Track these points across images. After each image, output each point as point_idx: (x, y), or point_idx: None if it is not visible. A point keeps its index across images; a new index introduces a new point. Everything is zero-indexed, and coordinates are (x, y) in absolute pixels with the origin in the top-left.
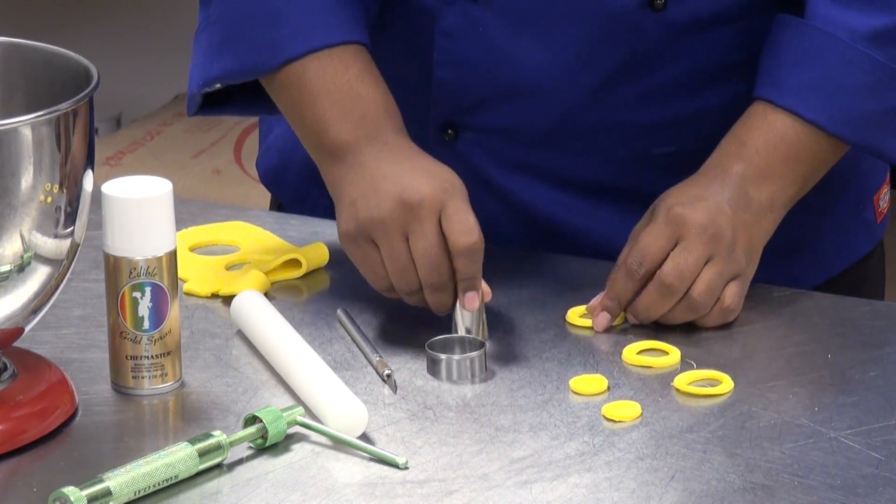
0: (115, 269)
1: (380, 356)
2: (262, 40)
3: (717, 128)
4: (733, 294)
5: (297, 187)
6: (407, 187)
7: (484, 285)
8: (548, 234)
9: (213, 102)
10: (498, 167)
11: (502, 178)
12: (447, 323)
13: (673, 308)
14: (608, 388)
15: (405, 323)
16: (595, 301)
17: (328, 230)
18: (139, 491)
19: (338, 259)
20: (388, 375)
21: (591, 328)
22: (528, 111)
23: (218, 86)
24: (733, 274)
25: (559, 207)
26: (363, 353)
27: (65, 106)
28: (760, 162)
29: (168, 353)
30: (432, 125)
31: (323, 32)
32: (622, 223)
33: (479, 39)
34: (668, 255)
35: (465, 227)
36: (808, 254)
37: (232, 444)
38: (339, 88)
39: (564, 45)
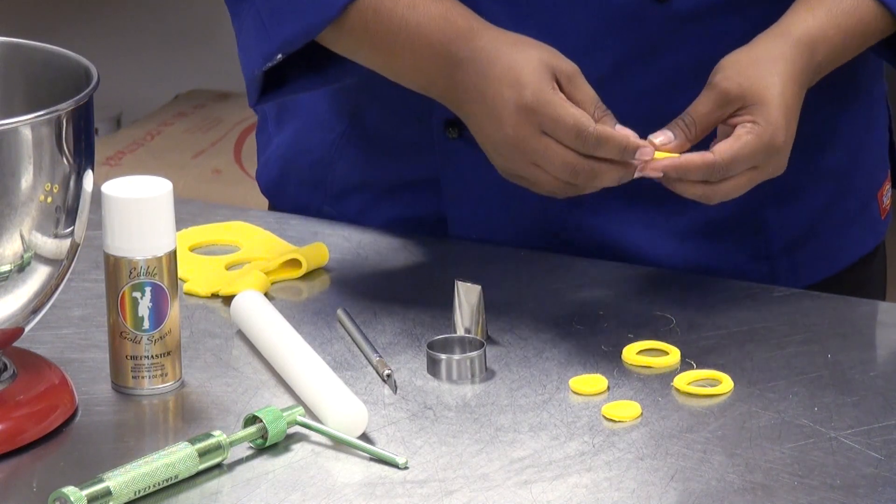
0: (115, 269)
1: (379, 356)
2: None
3: None
4: (742, 187)
5: (297, 197)
6: (522, 79)
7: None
8: (551, 232)
9: (270, 87)
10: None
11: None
12: (447, 323)
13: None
14: (608, 388)
15: (405, 323)
16: (661, 162)
17: (328, 230)
18: (139, 491)
19: (338, 259)
20: (388, 375)
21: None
22: None
23: (279, 57)
24: (761, 181)
25: (564, 203)
26: (363, 353)
27: (65, 106)
28: (837, 41)
29: (168, 353)
30: (436, 123)
31: None
32: (627, 220)
33: None
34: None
35: (576, 130)
36: (813, 249)
37: (232, 444)
38: (399, 28)
39: (566, 35)
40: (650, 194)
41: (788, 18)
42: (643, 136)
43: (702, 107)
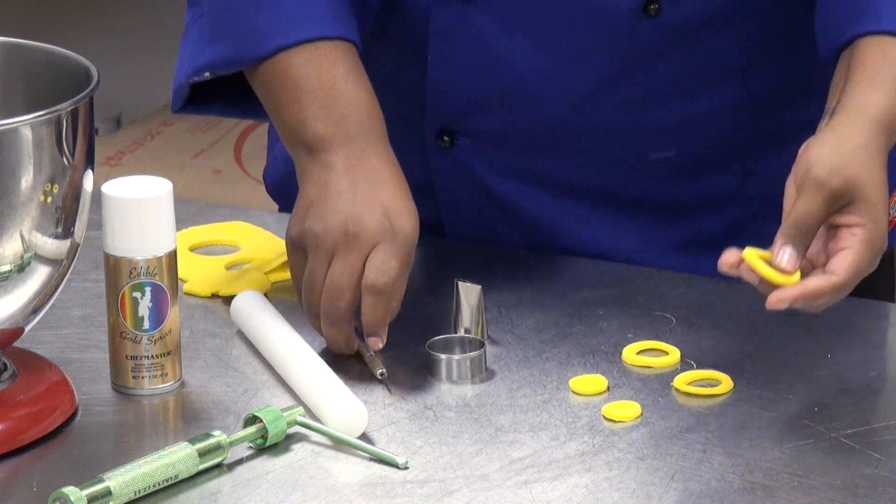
0: (115, 269)
1: (371, 354)
2: (254, 28)
3: (716, 131)
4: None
5: None
6: (354, 215)
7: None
8: (547, 240)
9: (198, 100)
10: (495, 173)
11: (500, 185)
12: (447, 323)
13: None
14: (608, 388)
15: (405, 323)
16: (788, 293)
17: None
18: (139, 491)
19: None
20: (382, 374)
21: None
22: (523, 114)
23: (207, 75)
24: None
25: (559, 213)
26: (360, 351)
27: (65, 106)
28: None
29: (168, 353)
30: (428, 132)
31: (315, 24)
32: (622, 229)
33: (473, 41)
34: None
35: (384, 268)
36: None
37: (232, 444)
38: (323, 85)
39: (558, 48)
40: (649, 201)
41: (860, 99)
42: (639, 144)
43: (812, 210)
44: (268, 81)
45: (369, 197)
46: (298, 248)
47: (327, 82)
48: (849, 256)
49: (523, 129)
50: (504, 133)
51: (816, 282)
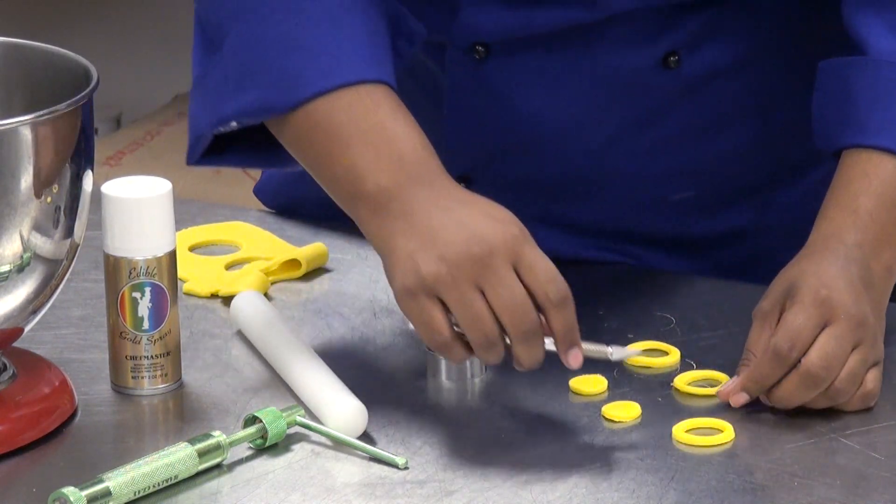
0: (114, 269)
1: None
2: (288, 73)
3: (736, 169)
4: (875, 379)
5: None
6: (473, 236)
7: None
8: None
9: (211, 149)
10: None
11: None
12: None
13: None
14: (608, 388)
15: (405, 323)
16: (731, 385)
17: (328, 230)
18: (139, 491)
19: (338, 259)
20: (611, 354)
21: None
22: (540, 164)
23: (233, 124)
24: (876, 360)
25: (576, 250)
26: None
27: (65, 106)
28: (877, 229)
29: (168, 354)
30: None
31: (352, 68)
32: (639, 257)
33: (489, 96)
34: (815, 340)
35: (551, 276)
36: None
37: (232, 444)
38: (372, 128)
39: (576, 102)
40: (671, 237)
41: (831, 229)
42: (658, 187)
43: (802, 324)
44: (307, 132)
45: (469, 215)
46: (422, 297)
47: (375, 125)
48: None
49: (540, 176)
50: (521, 180)
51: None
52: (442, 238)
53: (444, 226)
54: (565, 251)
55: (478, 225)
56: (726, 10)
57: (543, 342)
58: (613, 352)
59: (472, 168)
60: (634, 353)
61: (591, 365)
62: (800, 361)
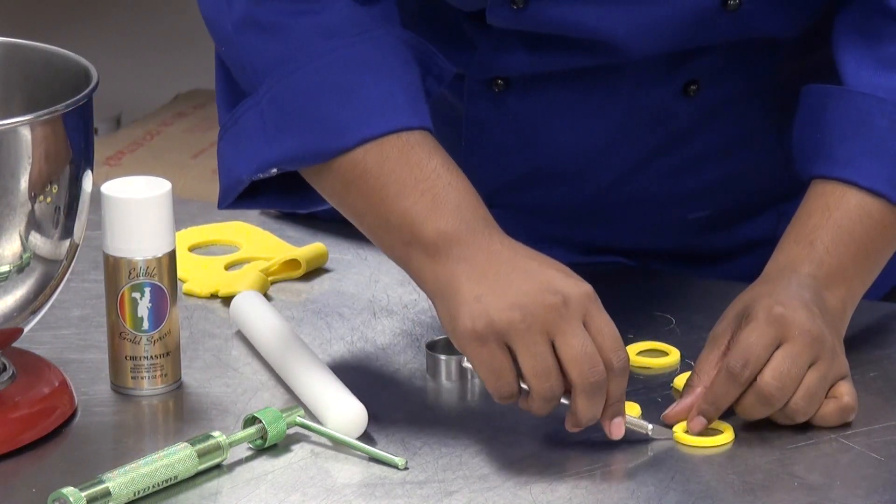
0: (114, 269)
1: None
2: (331, 119)
3: (753, 186)
4: (849, 392)
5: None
6: (549, 287)
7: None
8: None
9: (242, 194)
10: (530, 239)
11: (535, 248)
12: None
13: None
14: None
15: (405, 323)
16: (683, 404)
17: (328, 230)
18: (139, 491)
19: (338, 259)
20: (650, 430)
21: None
22: (559, 191)
23: (274, 171)
24: (838, 375)
25: (593, 267)
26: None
27: (64, 106)
28: (832, 262)
29: (167, 354)
30: None
31: (396, 114)
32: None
33: (509, 128)
34: (770, 358)
35: (618, 344)
36: None
37: (231, 444)
38: (428, 177)
39: (596, 132)
40: (685, 255)
41: (787, 257)
42: (676, 208)
43: (755, 343)
44: (354, 179)
45: (539, 267)
46: (492, 343)
47: (431, 173)
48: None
49: (559, 204)
50: (540, 207)
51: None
52: (516, 286)
53: (514, 275)
54: (579, 269)
55: (552, 277)
56: (744, 45)
57: (605, 400)
58: (653, 429)
59: (490, 195)
60: (670, 434)
61: None
62: (755, 380)
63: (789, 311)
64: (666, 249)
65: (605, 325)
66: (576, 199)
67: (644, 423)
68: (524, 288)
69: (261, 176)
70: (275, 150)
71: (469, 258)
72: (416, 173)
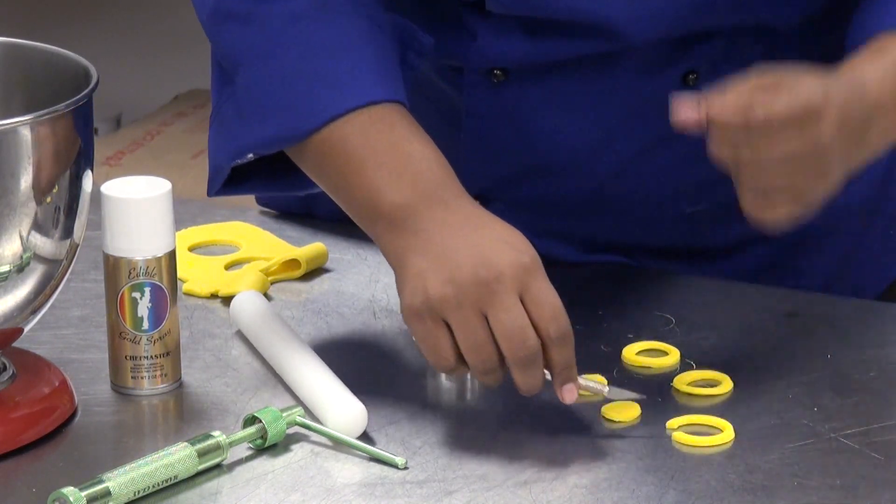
0: (114, 269)
1: (591, 385)
2: (301, 101)
3: None
4: (787, 211)
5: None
6: (481, 261)
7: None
8: None
9: (231, 181)
10: (530, 233)
11: (534, 242)
12: None
13: None
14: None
15: (405, 323)
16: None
17: (328, 230)
18: (139, 491)
19: (338, 259)
20: (609, 394)
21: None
22: (558, 184)
23: (251, 156)
24: (807, 153)
25: (594, 263)
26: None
27: (65, 106)
28: (885, 90)
29: (167, 354)
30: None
31: (365, 90)
32: (668, 268)
33: (507, 120)
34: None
35: (555, 312)
36: (848, 282)
37: (231, 444)
38: (387, 149)
39: (595, 123)
40: (683, 250)
41: (857, 65)
42: (675, 201)
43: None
44: (324, 157)
45: (484, 239)
46: (428, 318)
47: (390, 146)
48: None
49: (558, 197)
50: (539, 200)
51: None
52: (453, 260)
53: (456, 247)
54: (580, 264)
55: (489, 249)
56: (743, 33)
57: (542, 370)
58: (610, 391)
59: (489, 188)
60: (631, 396)
61: (591, 365)
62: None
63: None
64: (665, 244)
65: (542, 295)
66: (575, 193)
67: (599, 386)
68: (461, 262)
69: (239, 161)
70: (249, 136)
71: (421, 230)
72: (376, 146)
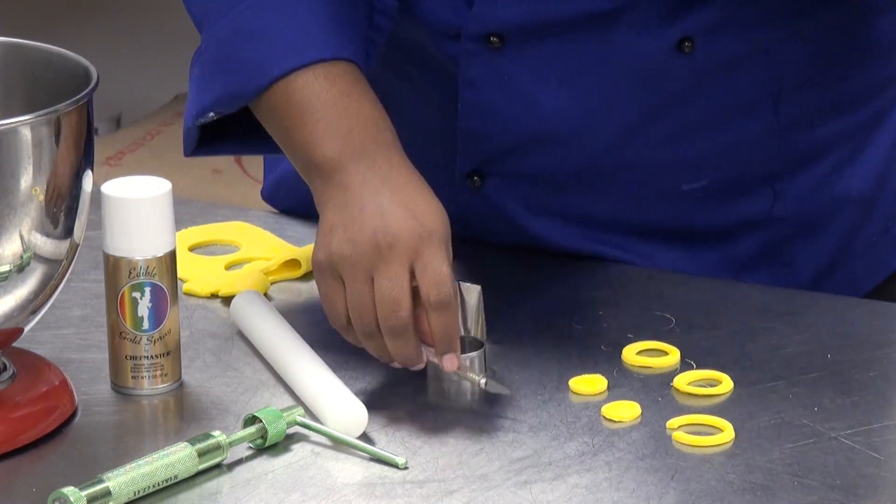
0: (114, 269)
1: (466, 365)
2: (251, 61)
3: (747, 157)
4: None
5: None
6: (382, 226)
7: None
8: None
9: (209, 140)
10: (526, 210)
11: (531, 221)
12: None
13: None
14: (608, 387)
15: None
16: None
17: None
18: (139, 491)
19: None
20: (485, 384)
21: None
22: (555, 156)
23: (211, 115)
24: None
25: (592, 245)
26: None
27: (64, 106)
28: None
29: (168, 353)
30: (458, 173)
31: (312, 48)
32: (657, 255)
33: (504, 89)
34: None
35: (438, 279)
36: (840, 276)
37: (231, 444)
38: (324, 104)
39: (591, 92)
40: (679, 230)
41: None
42: (671, 177)
43: None
44: (271, 112)
45: (392, 204)
46: (328, 274)
47: (327, 101)
48: None
49: (555, 169)
50: (535, 173)
51: None
52: (359, 220)
53: (366, 207)
54: (572, 244)
55: (392, 216)
56: (738, 2)
57: (414, 342)
58: (486, 382)
59: (485, 162)
60: (505, 392)
61: (591, 365)
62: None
63: None
64: (661, 224)
65: (431, 263)
66: (570, 166)
67: (476, 377)
68: (365, 223)
69: (202, 121)
70: (209, 96)
71: (344, 185)
72: (314, 103)
